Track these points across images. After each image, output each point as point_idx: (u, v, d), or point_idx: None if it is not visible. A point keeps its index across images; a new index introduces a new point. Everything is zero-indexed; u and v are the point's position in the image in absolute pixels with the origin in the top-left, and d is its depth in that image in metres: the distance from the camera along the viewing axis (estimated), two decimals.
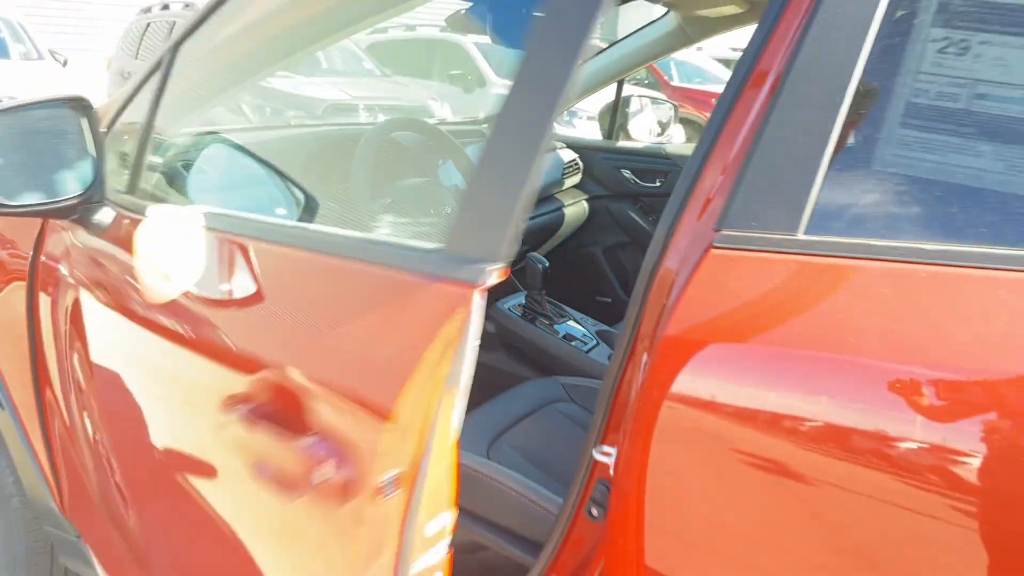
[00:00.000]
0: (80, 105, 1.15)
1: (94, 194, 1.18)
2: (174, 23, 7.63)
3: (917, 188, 0.80)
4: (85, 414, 1.34)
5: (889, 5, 0.79)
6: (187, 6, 7.72)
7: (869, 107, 0.81)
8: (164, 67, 1.22)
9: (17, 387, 1.49)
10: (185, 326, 1.05)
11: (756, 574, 0.74)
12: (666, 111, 2.94)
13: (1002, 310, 0.67)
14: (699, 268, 0.78)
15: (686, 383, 0.75)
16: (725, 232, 0.78)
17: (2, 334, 1.50)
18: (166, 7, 8.13)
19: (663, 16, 2.13)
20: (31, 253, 1.44)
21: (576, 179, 2.50)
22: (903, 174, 0.81)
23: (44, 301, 1.39)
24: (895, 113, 0.81)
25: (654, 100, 2.98)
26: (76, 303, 1.29)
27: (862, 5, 0.80)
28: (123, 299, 1.16)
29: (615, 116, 2.73)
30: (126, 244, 1.16)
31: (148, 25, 8.13)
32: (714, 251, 0.78)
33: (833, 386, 0.70)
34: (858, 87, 0.79)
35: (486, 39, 8.65)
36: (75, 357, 1.35)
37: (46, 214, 1.20)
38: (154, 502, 1.23)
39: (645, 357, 0.80)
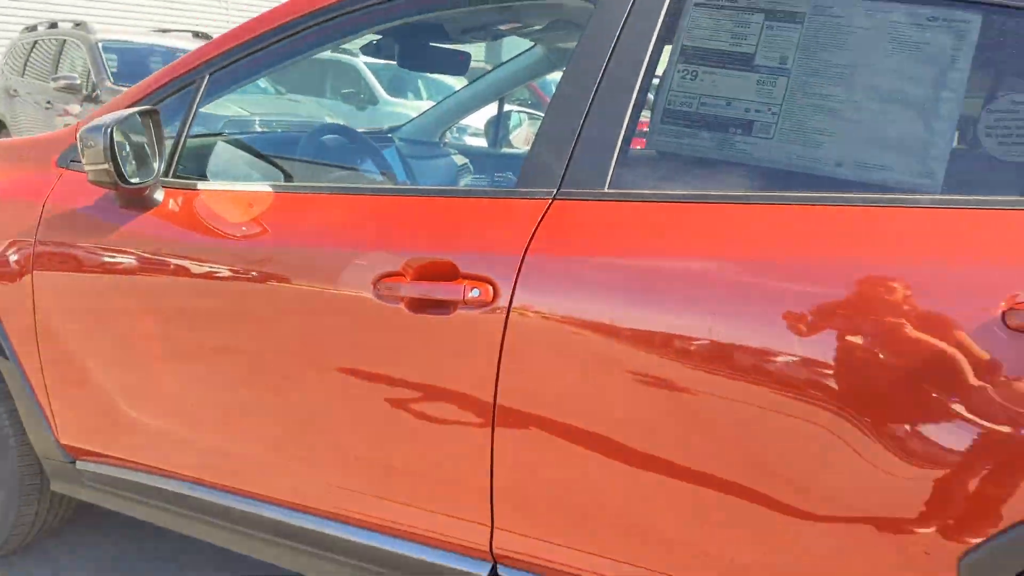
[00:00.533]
0: (148, 113, 1.62)
1: (157, 177, 1.64)
2: (64, 41, 7.70)
3: (669, 159, 1.35)
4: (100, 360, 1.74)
5: (653, 50, 1.33)
6: (77, 25, 7.80)
7: (641, 113, 1.36)
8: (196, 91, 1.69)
9: (22, 345, 1.85)
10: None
11: None
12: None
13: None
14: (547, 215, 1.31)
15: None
16: (563, 190, 1.31)
17: (11, 305, 1.85)
18: (54, 26, 8.17)
19: (532, 47, 2.66)
20: (33, 235, 1.81)
21: (468, 180, 3.00)
22: (664, 152, 1.36)
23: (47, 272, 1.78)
24: (657, 116, 1.35)
25: (531, 115, 3.53)
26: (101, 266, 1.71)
27: (638, 51, 1.34)
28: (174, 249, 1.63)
29: (498, 129, 3.26)
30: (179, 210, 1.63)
31: (35, 43, 8.15)
32: (556, 202, 1.31)
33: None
34: (635, 101, 1.33)
35: (378, 59, 9.05)
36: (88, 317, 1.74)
37: (140, 191, 1.63)
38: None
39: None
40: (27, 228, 1.81)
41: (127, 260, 1.69)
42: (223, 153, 1.92)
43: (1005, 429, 1.03)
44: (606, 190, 1.31)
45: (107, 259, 1.71)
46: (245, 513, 1.65)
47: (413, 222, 1.46)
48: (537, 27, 2.34)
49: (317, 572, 1.64)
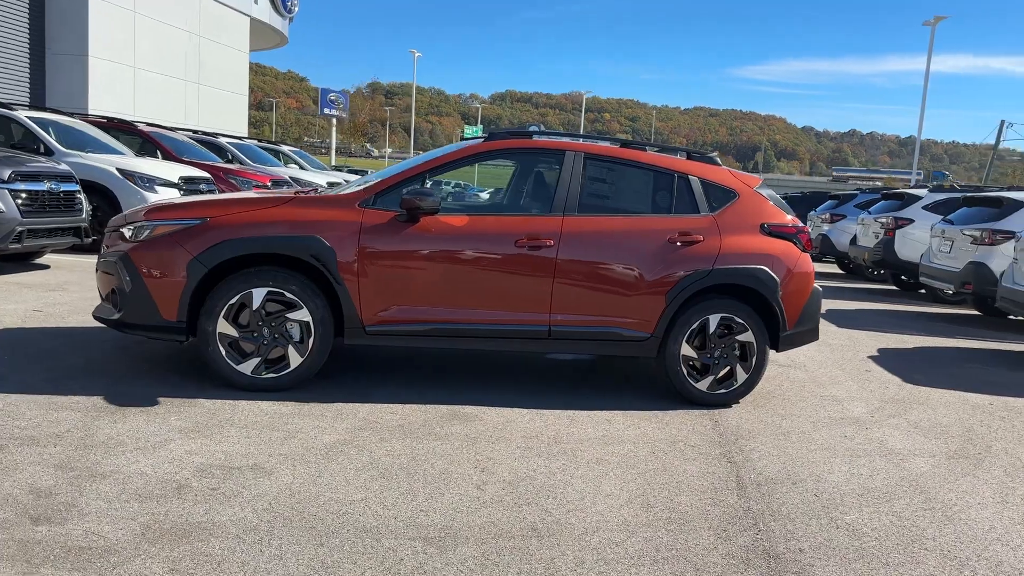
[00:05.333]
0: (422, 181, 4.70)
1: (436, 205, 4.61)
2: None
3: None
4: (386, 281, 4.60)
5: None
6: None
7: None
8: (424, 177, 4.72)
9: (348, 279, 4.53)
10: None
11: None
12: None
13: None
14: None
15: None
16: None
17: (347, 264, 4.52)
18: None
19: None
20: (357, 236, 4.55)
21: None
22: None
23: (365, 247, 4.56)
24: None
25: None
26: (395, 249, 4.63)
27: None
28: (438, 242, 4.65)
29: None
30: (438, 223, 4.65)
31: None
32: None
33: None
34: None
35: (42, 114, 10.14)
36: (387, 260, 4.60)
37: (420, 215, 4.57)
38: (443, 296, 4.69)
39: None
40: (356, 231, 4.53)
41: (404, 240, 4.59)
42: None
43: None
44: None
45: (396, 242, 4.58)
46: (458, 328, 4.70)
47: (522, 223, 4.79)
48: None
49: (485, 346, 4.79)
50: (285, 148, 19.39)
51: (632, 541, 3.05)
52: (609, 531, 3.12)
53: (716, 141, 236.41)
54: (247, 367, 4.51)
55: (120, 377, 4.67)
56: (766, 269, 5.01)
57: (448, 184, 32.75)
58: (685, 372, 5.01)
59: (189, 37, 22.60)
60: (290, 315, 4.51)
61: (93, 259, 9.67)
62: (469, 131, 67.12)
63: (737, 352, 5.05)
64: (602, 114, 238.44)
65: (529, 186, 5.23)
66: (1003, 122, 45.74)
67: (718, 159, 5.49)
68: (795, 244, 5.19)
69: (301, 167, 18.10)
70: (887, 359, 7.06)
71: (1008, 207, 9.60)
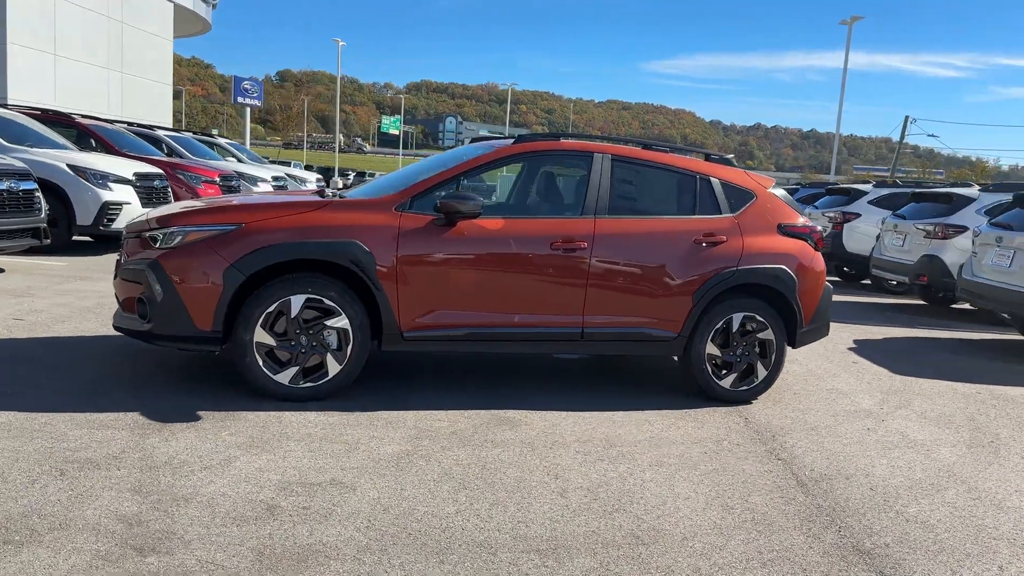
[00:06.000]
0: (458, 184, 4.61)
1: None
2: None
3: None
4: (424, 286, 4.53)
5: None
6: None
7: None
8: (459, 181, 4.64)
9: (387, 285, 4.44)
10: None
11: None
12: None
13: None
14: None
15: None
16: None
17: (387, 271, 4.42)
18: None
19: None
20: (395, 239, 4.45)
21: None
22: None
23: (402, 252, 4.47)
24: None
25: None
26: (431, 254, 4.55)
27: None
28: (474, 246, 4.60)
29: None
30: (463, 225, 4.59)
31: None
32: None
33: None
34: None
35: None
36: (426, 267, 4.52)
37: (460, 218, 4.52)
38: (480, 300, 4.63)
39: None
40: (394, 236, 4.44)
41: (442, 244, 4.53)
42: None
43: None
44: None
45: (434, 246, 4.51)
46: (495, 332, 4.67)
47: (556, 226, 4.78)
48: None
49: (519, 350, 4.78)
50: (221, 140, 18.74)
51: (732, 545, 3.11)
52: (706, 536, 3.17)
53: (630, 134, 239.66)
54: (284, 377, 4.37)
55: (147, 389, 4.45)
56: (786, 268, 5.16)
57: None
58: (710, 370, 5.12)
59: (111, 23, 21.58)
60: (328, 322, 4.39)
61: (50, 262, 9.30)
62: (387, 121, 66.06)
63: (757, 349, 5.19)
64: (519, 106, 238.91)
65: (557, 188, 5.22)
66: (907, 117, 48.07)
67: (734, 161, 5.61)
68: (809, 243, 5.36)
69: (239, 160, 17.54)
70: (866, 350, 7.37)
71: (958, 202, 10.14)
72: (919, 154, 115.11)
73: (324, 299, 4.36)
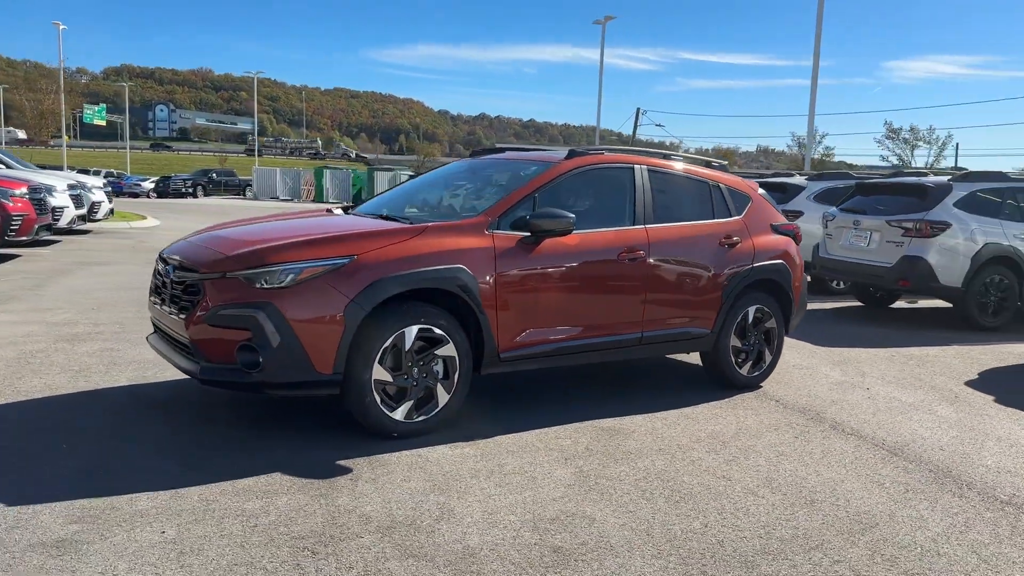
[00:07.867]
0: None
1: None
2: None
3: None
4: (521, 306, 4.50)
5: None
6: None
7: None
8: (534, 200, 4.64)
9: (488, 308, 4.35)
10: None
11: None
12: None
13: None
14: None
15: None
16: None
17: (487, 293, 4.33)
18: None
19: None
20: (494, 257, 4.37)
21: None
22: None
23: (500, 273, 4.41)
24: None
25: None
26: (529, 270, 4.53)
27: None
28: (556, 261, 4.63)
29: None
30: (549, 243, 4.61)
31: None
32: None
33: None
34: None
35: None
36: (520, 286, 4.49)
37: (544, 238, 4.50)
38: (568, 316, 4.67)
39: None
40: (491, 257, 4.35)
41: (532, 262, 4.52)
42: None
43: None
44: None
45: (525, 264, 4.49)
46: (578, 345, 4.75)
47: (619, 236, 4.95)
48: None
49: (595, 360, 4.90)
50: None
51: (931, 525, 3.51)
52: (898, 523, 3.51)
53: (361, 123, 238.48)
54: (400, 413, 4.13)
55: (256, 445, 4.00)
56: (784, 263, 5.78)
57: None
58: (734, 361, 5.60)
59: None
60: (437, 351, 4.21)
61: None
62: (91, 111, 59.09)
63: (763, 337, 5.76)
64: (239, 92, 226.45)
65: (609, 200, 5.35)
66: (639, 110, 52.78)
67: (729, 167, 6.11)
68: (793, 240, 6.03)
69: (8, 166, 15.22)
70: (814, 335, 8.34)
71: (934, 195, 8.77)
72: (653, 144, 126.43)
73: (435, 328, 4.17)
